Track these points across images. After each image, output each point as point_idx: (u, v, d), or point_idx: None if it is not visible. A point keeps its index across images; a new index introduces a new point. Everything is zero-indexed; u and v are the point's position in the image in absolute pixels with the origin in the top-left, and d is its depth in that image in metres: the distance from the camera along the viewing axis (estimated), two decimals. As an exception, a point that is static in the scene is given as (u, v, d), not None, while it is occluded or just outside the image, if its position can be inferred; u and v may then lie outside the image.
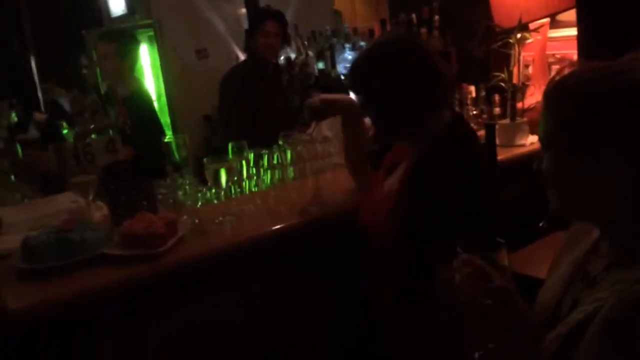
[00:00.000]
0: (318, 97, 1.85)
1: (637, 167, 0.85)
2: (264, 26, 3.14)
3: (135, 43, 3.20)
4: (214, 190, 1.97)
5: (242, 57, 4.39)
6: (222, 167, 1.76)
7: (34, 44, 5.73)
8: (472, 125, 2.55)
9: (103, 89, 3.43)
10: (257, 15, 3.39)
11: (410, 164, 1.52)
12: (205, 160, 1.75)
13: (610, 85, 0.86)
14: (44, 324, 1.35)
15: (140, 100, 3.03)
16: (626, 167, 0.86)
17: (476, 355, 1.02)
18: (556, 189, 0.95)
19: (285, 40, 3.36)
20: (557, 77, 0.95)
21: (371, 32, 3.56)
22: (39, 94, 5.00)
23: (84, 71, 4.39)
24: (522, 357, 0.96)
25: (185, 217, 1.76)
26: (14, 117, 3.59)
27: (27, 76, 5.41)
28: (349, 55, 3.79)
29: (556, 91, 0.94)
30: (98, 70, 3.79)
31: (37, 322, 1.34)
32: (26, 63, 5.48)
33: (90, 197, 1.80)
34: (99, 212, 1.82)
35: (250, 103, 3.13)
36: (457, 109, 2.60)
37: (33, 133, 3.45)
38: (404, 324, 1.50)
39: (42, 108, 4.58)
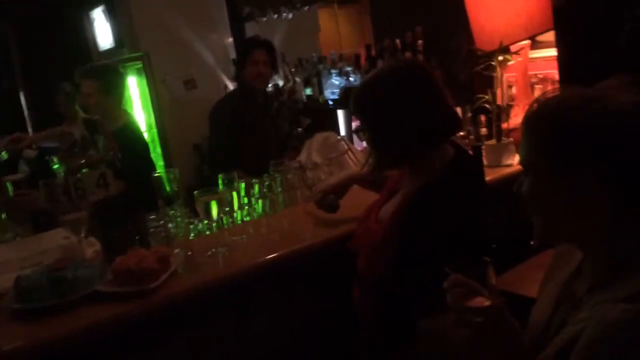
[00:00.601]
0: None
1: (611, 191, 0.88)
2: (253, 55, 3.16)
3: (120, 78, 3.12)
4: (205, 222, 1.98)
5: (230, 86, 4.44)
6: (213, 199, 1.77)
7: (23, 80, 5.76)
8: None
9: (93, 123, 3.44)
10: (246, 45, 3.43)
11: (409, 194, 1.50)
12: (195, 193, 1.76)
13: (586, 111, 0.89)
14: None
15: (130, 134, 2.96)
16: (601, 192, 0.88)
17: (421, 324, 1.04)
18: (537, 213, 0.97)
19: (274, 69, 3.38)
20: (536, 104, 0.99)
21: (357, 57, 3.63)
22: (29, 130, 5.01)
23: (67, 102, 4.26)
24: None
25: (177, 250, 1.77)
26: (3, 155, 3.59)
27: (16, 112, 5.43)
28: (335, 80, 3.85)
29: (535, 117, 0.97)
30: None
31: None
32: (16, 99, 5.51)
33: (82, 234, 1.80)
34: (91, 248, 1.82)
35: (240, 133, 3.14)
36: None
37: (23, 169, 3.44)
38: (387, 354, 1.49)
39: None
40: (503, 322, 1.00)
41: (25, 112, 5.43)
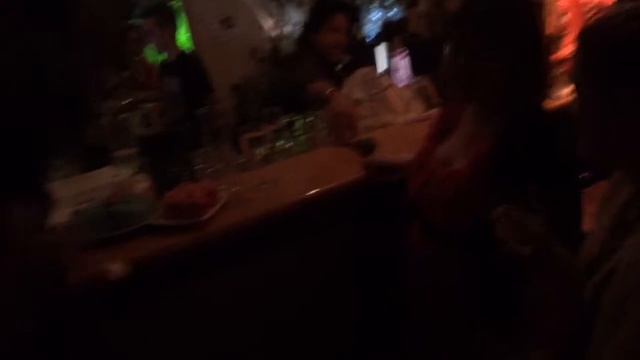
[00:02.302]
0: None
1: None
2: (334, 20, 2.67)
3: (171, 12, 3.61)
4: (249, 159, 1.99)
5: (265, 26, 4.37)
6: (257, 135, 1.78)
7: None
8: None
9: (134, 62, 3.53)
10: (326, 7, 2.83)
11: (495, 134, 1.34)
12: (239, 129, 1.77)
13: (628, 30, 0.87)
14: (97, 293, 1.41)
15: (188, 60, 3.46)
16: None
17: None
18: (582, 132, 0.96)
19: (352, 37, 2.91)
20: (590, 20, 0.96)
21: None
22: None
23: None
24: (567, 299, 0.99)
25: (223, 186, 1.80)
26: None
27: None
28: (375, 15, 3.74)
29: (582, 35, 0.95)
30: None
31: (90, 292, 1.40)
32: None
33: (133, 170, 1.84)
34: (142, 184, 1.87)
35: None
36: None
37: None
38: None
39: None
40: (550, 250, 1.03)
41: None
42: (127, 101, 2.44)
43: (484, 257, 1.28)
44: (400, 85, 2.81)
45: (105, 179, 1.94)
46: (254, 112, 2.94)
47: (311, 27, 2.76)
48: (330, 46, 2.69)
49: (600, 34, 0.91)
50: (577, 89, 0.97)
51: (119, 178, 1.86)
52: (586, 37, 0.94)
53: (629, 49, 0.87)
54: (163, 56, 3.56)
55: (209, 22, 4.30)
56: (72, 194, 1.86)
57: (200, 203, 1.58)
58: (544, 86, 1.38)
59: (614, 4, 0.97)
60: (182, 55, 3.51)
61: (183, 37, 4.37)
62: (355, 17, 2.85)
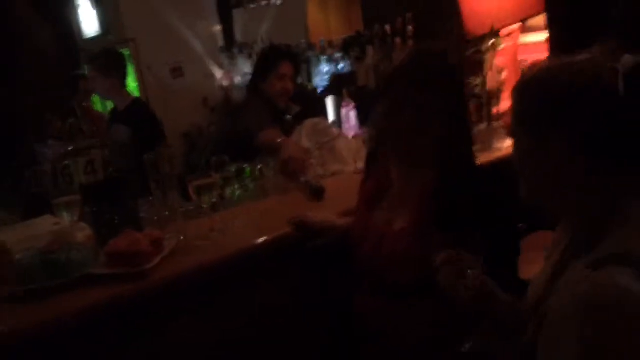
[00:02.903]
0: None
1: (586, 155, 0.91)
2: (281, 68, 2.80)
3: (114, 59, 3.34)
4: (197, 206, 1.97)
5: (217, 74, 4.41)
6: (205, 182, 1.77)
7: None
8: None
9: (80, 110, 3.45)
10: (272, 55, 2.95)
11: (423, 194, 1.41)
12: (188, 177, 1.75)
13: (559, 81, 0.93)
14: (32, 345, 1.34)
15: (139, 108, 3.29)
16: (576, 157, 0.91)
17: (465, 346, 1.08)
18: (521, 177, 1.01)
19: (302, 87, 3.09)
20: (523, 75, 1.04)
21: (346, 44, 3.61)
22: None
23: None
24: (506, 347, 1.01)
25: (169, 235, 1.76)
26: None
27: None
28: (324, 67, 3.84)
29: (517, 85, 1.02)
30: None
31: (24, 344, 1.32)
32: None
33: (74, 218, 1.78)
34: (83, 232, 1.80)
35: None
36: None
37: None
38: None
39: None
40: (493, 294, 1.10)
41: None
42: (70, 148, 2.38)
43: (438, 305, 1.30)
44: (349, 135, 2.87)
45: (45, 227, 1.86)
46: (203, 160, 2.94)
47: (259, 75, 2.86)
48: (277, 93, 2.79)
49: (534, 86, 0.97)
50: (515, 138, 1.02)
51: (59, 226, 1.80)
52: (522, 89, 1.00)
53: (561, 99, 0.91)
54: (111, 104, 3.51)
55: (158, 71, 4.30)
56: (9, 242, 1.78)
57: (144, 251, 1.54)
58: (471, 141, 1.48)
59: (545, 60, 1.04)
60: (133, 102, 3.34)
61: (132, 84, 4.35)
62: (298, 63, 2.98)
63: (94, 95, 3.99)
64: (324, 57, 3.80)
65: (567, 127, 0.91)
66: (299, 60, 3.02)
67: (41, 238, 1.73)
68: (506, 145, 2.33)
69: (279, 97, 2.82)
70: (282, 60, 2.82)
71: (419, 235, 1.38)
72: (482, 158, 2.20)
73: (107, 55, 3.35)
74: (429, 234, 1.33)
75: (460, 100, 1.44)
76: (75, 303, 1.41)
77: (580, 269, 0.88)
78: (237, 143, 2.86)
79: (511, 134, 1.03)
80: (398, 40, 3.06)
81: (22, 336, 1.32)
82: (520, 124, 0.99)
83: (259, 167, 2.23)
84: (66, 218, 1.80)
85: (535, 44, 2.57)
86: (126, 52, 4.34)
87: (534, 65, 1.04)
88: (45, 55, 4.18)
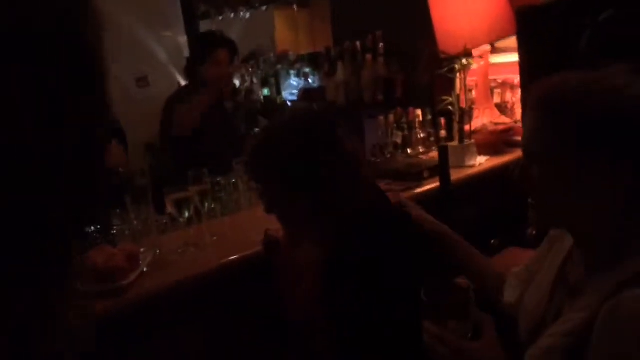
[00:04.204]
0: None
1: (626, 177, 0.89)
2: (217, 55, 2.98)
3: None
4: (171, 220, 1.92)
5: (183, 84, 4.35)
6: (180, 196, 1.73)
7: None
8: (419, 148, 2.67)
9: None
10: (208, 43, 3.15)
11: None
12: (164, 190, 1.71)
13: (602, 97, 0.90)
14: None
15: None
16: (621, 179, 0.89)
17: None
18: (544, 199, 0.97)
19: (233, 69, 3.26)
20: (542, 90, 0.98)
21: (315, 58, 3.63)
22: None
23: None
24: None
25: (143, 249, 1.71)
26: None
27: None
28: (293, 81, 3.84)
29: (546, 103, 0.96)
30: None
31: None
32: None
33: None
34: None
35: (194, 131, 3.02)
36: (405, 132, 2.68)
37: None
38: None
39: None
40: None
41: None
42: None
43: None
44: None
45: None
46: (169, 173, 2.88)
47: (197, 60, 3.09)
48: (215, 78, 2.96)
49: (571, 105, 0.92)
50: (539, 159, 0.97)
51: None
52: (555, 108, 0.95)
53: (605, 119, 0.89)
54: None
55: (125, 81, 4.21)
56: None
57: (120, 267, 1.49)
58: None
59: (570, 72, 0.98)
60: None
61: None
62: (234, 50, 3.12)
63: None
64: (292, 71, 3.81)
65: (612, 149, 0.89)
66: (235, 46, 3.15)
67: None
68: (478, 162, 2.37)
69: (218, 81, 2.98)
70: (218, 47, 2.99)
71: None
72: (454, 175, 2.25)
73: None
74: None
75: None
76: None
77: (611, 287, 0.86)
78: (170, 132, 3.06)
79: (533, 155, 0.98)
80: (369, 56, 3.10)
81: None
82: (553, 145, 0.94)
83: (232, 180, 2.20)
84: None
85: (505, 65, 2.65)
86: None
87: (546, 80, 0.99)
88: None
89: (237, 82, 4.07)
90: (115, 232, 1.76)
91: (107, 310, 1.40)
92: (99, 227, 1.69)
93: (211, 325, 1.65)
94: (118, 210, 1.83)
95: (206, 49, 3.04)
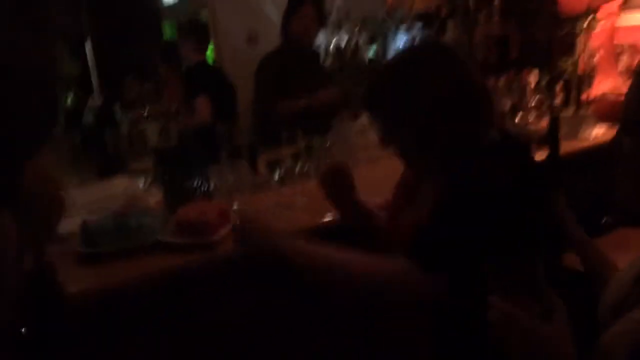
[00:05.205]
0: None
1: None
2: (301, 11, 2.96)
3: (203, 27, 3.73)
4: (265, 180, 1.96)
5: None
6: (274, 156, 1.75)
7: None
8: (529, 117, 2.48)
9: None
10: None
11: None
12: (258, 149, 1.74)
13: None
14: (99, 308, 1.37)
15: (217, 76, 3.44)
16: None
17: None
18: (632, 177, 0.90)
19: (322, 24, 3.20)
20: None
21: (427, 15, 3.46)
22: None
23: None
24: None
25: (236, 206, 1.75)
26: (68, 102, 3.68)
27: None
28: (401, 41, 3.71)
29: None
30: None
31: (91, 307, 1.36)
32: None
33: (147, 182, 1.81)
34: (154, 198, 1.84)
35: (291, 91, 2.95)
36: (516, 98, 2.50)
37: (88, 118, 3.53)
38: None
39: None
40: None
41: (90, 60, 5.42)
42: (146, 112, 2.42)
43: None
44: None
45: (119, 188, 1.91)
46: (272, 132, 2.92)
47: (285, 19, 3.02)
48: (299, 32, 2.97)
49: None
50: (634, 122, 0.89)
51: (132, 189, 1.83)
52: None
53: None
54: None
55: (235, 37, 4.30)
56: (84, 201, 1.84)
57: (211, 222, 1.53)
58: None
59: None
60: (212, 69, 3.55)
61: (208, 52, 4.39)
62: (320, 5, 3.08)
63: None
64: (402, 27, 3.66)
65: None
66: (322, 3, 3.11)
67: (114, 199, 1.77)
68: (594, 135, 2.17)
69: (302, 38, 2.98)
70: (302, 4, 2.96)
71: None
72: (566, 147, 2.07)
73: (193, 23, 3.66)
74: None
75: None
76: (140, 269, 1.42)
77: None
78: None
79: (628, 125, 0.90)
80: (483, 14, 2.90)
81: (90, 298, 1.34)
82: None
83: (328, 143, 2.19)
84: (139, 182, 1.83)
85: (634, 28, 2.36)
86: (203, 18, 4.38)
87: None
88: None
89: (343, 42, 4.01)
90: (211, 187, 1.82)
91: (194, 265, 1.45)
92: (197, 181, 1.75)
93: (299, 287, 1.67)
94: (215, 166, 1.89)
95: (293, 5, 3.01)
